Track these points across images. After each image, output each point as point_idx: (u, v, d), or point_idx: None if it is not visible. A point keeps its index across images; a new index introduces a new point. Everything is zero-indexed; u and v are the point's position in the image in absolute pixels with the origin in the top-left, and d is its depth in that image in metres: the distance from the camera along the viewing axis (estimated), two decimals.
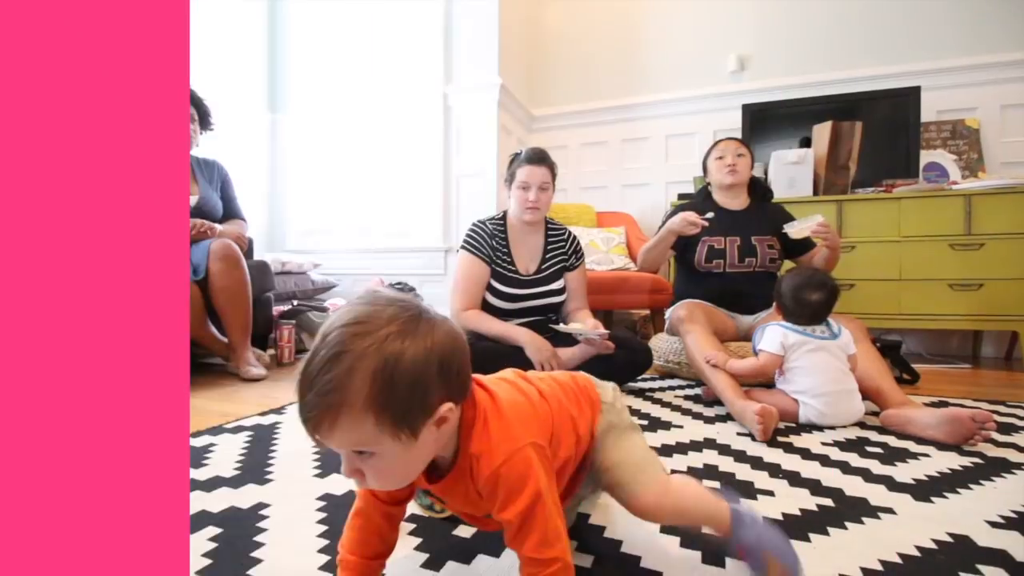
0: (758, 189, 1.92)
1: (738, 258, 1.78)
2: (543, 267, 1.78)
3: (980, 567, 0.66)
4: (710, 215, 1.70)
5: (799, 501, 0.86)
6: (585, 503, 0.82)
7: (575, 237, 1.87)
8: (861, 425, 1.32)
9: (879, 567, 0.66)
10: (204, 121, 2.11)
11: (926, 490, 0.91)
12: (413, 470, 0.51)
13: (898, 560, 0.68)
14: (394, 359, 0.44)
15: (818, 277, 1.37)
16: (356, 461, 0.47)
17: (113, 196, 0.40)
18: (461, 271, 1.73)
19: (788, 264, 1.85)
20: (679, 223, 1.68)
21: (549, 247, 1.81)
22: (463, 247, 1.74)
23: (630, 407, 1.48)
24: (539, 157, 1.71)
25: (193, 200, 2.04)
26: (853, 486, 0.93)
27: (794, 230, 1.67)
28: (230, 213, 2.22)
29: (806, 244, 1.83)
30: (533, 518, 0.51)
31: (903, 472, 1.00)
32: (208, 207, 2.09)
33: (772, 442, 1.18)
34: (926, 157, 2.57)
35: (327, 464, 1.02)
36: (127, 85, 0.41)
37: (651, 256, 1.85)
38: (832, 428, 1.29)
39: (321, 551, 0.69)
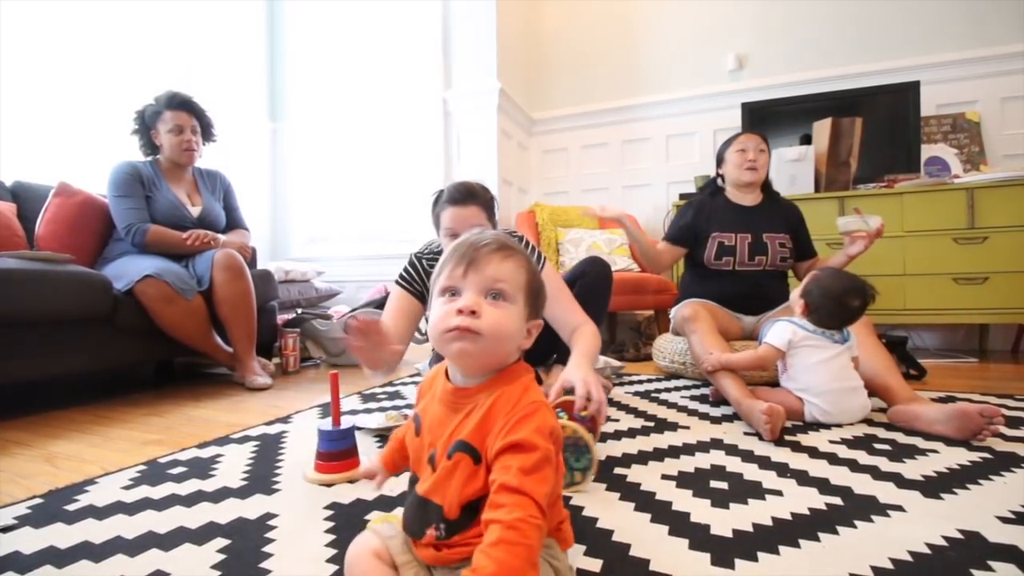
0: (770, 186, 1.90)
1: (748, 255, 1.76)
2: None
3: (992, 563, 0.66)
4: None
5: (808, 500, 0.86)
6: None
7: (532, 246, 1.47)
8: (868, 422, 1.31)
9: (890, 565, 0.66)
10: (206, 132, 2.12)
11: (935, 487, 0.90)
12: (510, 335, 0.54)
13: (909, 558, 0.67)
14: (534, 270, 0.58)
15: (859, 283, 1.33)
16: (482, 302, 0.53)
17: None
18: (391, 303, 1.42)
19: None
20: (613, 214, 1.78)
21: None
22: (398, 282, 1.43)
23: (636, 409, 1.48)
24: (464, 194, 1.36)
25: (196, 211, 2.06)
26: (862, 484, 0.92)
27: (850, 226, 1.61)
28: (233, 223, 2.24)
29: (808, 251, 1.85)
30: (533, 451, 0.48)
31: (912, 469, 0.99)
32: (211, 218, 2.10)
33: (779, 441, 1.17)
34: (927, 151, 2.56)
35: None
36: None
37: (647, 256, 1.88)
38: (839, 426, 1.28)
39: (329, 560, 0.69)
